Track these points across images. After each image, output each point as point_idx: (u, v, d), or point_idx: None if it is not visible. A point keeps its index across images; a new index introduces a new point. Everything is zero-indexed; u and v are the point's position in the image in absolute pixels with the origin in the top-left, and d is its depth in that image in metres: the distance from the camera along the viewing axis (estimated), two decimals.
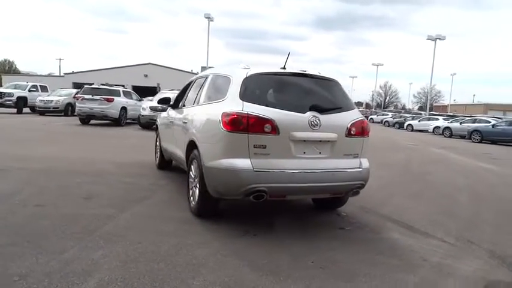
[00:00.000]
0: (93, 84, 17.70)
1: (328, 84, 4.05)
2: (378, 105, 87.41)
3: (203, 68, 54.10)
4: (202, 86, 4.78)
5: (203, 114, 4.11)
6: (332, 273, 3.00)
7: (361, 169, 3.89)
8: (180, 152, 4.87)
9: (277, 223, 4.15)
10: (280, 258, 3.21)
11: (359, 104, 79.09)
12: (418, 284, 2.95)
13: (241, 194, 3.52)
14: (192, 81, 5.50)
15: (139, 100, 17.76)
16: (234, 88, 3.79)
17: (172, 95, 7.38)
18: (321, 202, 4.66)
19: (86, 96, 15.13)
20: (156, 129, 6.98)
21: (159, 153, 6.61)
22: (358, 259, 3.30)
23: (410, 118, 37.09)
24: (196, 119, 4.19)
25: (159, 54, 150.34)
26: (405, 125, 33.85)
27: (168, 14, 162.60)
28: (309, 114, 3.66)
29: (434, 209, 5.31)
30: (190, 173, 4.34)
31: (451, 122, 28.27)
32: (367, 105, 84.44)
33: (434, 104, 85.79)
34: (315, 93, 3.92)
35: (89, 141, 10.78)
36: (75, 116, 16.53)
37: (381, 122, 43.08)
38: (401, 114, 44.55)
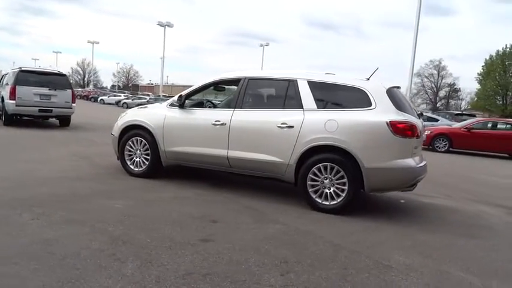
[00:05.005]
0: None
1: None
2: (77, 83, 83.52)
3: None
4: (289, 91, 4.84)
5: (347, 120, 4.43)
6: (468, 233, 4.50)
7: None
8: (267, 157, 4.74)
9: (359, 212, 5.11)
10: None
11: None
12: None
13: (408, 186, 4.44)
14: (240, 80, 5.16)
15: None
16: (381, 99, 4.46)
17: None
18: None
19: None
20: (127, 130, 5.77)
21: (149, 159, 5.60)
22: (458, 224, 4.92)
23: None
24: (336, 125, 4.44)
25: None
26: None
27: None
28: (421, 120, 4.89)
29: None
30: (310, 175, 4.58)
31: None
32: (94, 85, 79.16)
33: (135, 83, 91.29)
34: (408, 102, 5.10)
35: None
36: None
37: (116, 103, 42.28)
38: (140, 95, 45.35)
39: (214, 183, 5.65)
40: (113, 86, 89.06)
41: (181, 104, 5.42)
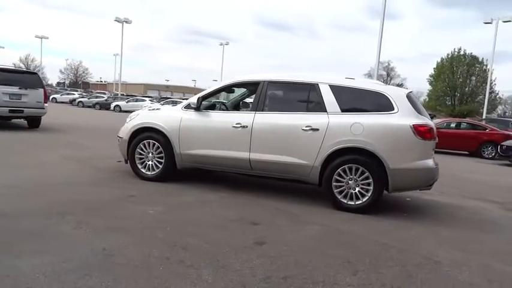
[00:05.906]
0: None
1: None
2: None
3: None
4: (311, 94, 4.96)
5: (372, 124, 4.60)
6: (481, 227, 4.89)
7: None
8: (292, 159, 4.82)
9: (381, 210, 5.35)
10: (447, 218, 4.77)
11: None
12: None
13: (427, 185, 4.72)
14: (259, 84, 5.20)
15: None
16: (402, 104, 4.69)
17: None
18: None
19: None
20: (138, 133, 5.62)
21: (163, 162, 5.49)
22: (465, 218, 5.31)
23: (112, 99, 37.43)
24: (361, 128, 4.61)
25: None
26: (112, 105, 33.86)
27: None
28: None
29: None
30: (336, 176, 4.73)
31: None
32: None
33: (85, 81, 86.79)
34: (421, 106, 5.36)
35: None
36: None
37: (70, 102, 40.31)
38: (97, 94, 43.44)
39: (230, 185, 5.66)
40: (59, 84, 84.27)
41: (198, 106, 5.37)
